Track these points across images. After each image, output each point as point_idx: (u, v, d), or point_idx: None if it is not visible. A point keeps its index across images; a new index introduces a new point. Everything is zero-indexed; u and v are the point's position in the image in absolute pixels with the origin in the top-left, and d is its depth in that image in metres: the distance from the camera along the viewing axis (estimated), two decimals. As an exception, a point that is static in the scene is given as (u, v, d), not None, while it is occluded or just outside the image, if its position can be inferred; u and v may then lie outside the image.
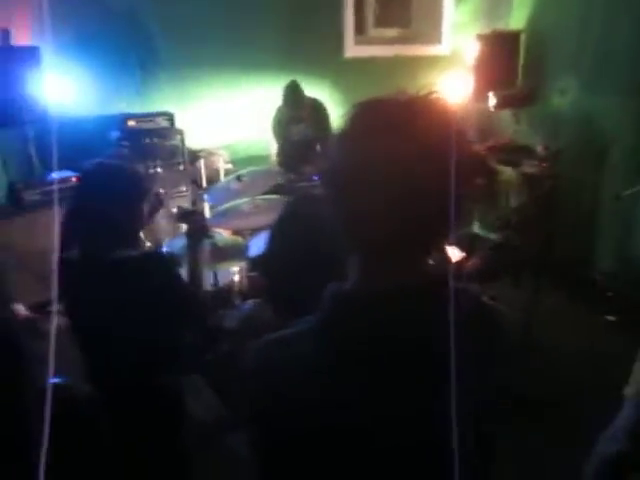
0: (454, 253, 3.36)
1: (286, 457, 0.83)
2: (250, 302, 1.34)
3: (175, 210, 1.99)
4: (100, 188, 1.59)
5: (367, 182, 0.75)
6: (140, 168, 3.23)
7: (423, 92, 0.81)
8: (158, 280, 1.59)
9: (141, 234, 1.70)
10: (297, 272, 1.17)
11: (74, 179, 3.51)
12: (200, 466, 1.80)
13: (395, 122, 0.76)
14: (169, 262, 1.66)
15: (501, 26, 5.01)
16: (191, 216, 1.87)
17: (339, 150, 0.81)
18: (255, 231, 2.97)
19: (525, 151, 4.53)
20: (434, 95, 0.81)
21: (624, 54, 4.00)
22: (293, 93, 4.13)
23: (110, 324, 1.61)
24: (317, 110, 4.39)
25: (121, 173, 1.63)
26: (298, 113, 4.21)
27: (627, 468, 1.31)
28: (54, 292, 1.49)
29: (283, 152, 4.44)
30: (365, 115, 0.80)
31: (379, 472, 0.81)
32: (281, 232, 1.25)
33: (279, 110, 4.38)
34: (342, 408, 0.77)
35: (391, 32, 5.22)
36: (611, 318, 3.81)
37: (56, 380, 1.07)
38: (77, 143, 3.99)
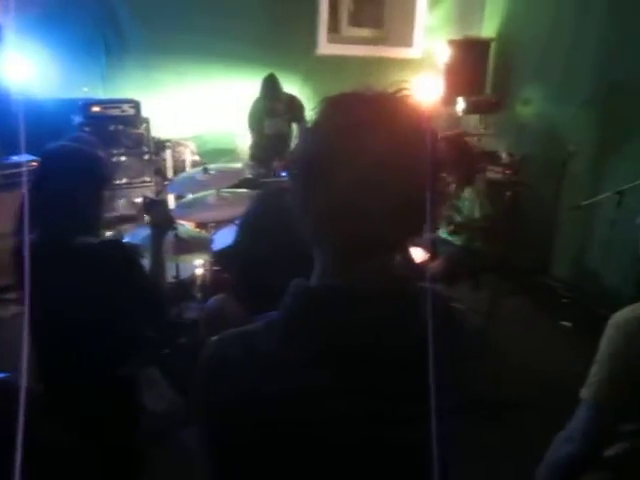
0: (418, 254, 3.39)
1: (236, 455, 0.81)
2: (215, 296, 1.31)
3: (140, 199, 1.93)
4: (60, 171, 1.54)
5: (334, 177, 0.74)
6: (102, 153, 3.20)
7: (392, 89, 0.81)
8: (118, 269, 1.54)
9: (101, 222, 1.64)
10: (264, 266, 1.15)
11: (34, 163, 3.40)
12: (153, 460, 1.77)
13: (363, 117, 0.76)
14: (130, 251, 1.61)
15: (473, 33, 5.09)
16: (156, 206, 1.82)
17: (307, 143, 0.80)
18: (220, 224, 2.93)
19: (490, 157, 4.62)
20: (403, 92, 0.81)
21: (588, 66, 4.11)
22: (271, 86, 4.11)
23: (67, 313, 1.56)
24: (294, 106, 4.37)
25: (82, 157, 1.58)
26: (274, 106, 4.18)
27: (580, 469, 1.33)
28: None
29: (256, 146, 4.40)
30: (334, 109, 0.80)
31: (337, 471, 0.80)
32: (249, 225, 1.23)
33: (256, 102, 4.34)
34: (300, 405, 0.76)
35: (364, 32, 5.24)
36: (567, 324, 3.91)
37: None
38: (39, 127, 3.85)
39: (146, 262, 1.78)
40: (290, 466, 0.79)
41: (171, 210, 1.94)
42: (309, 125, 0.80)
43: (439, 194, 0.84)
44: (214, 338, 0.83)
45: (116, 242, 1.65)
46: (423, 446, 0.82)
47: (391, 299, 0.79)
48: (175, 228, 2.61)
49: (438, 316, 0.83)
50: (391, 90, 0.80)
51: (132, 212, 3.62)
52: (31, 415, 1.07)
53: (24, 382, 0.68)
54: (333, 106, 0.80)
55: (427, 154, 0.77)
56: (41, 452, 1.05)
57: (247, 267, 1.19)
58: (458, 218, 3.50)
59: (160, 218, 1.80)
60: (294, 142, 4.45)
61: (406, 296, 0.81)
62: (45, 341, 1.65)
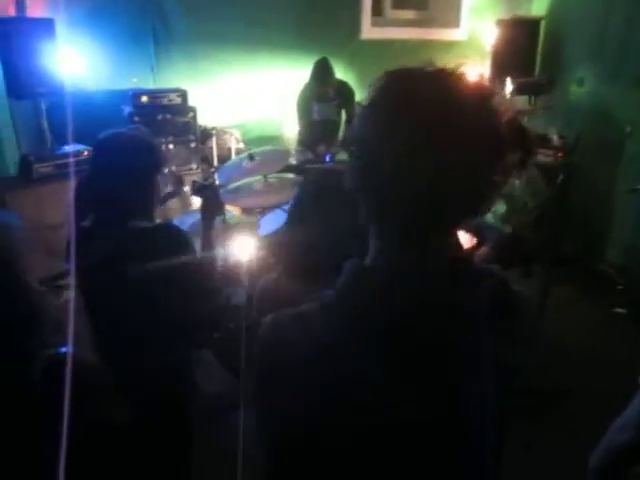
0: (466, 239, 3.33)
1: (293, 436, 0.81)
2: (264, 277, 1.33)
3: (190, 184, 1.96)
4: (115, 157, 1.57)
5: (394, 154, 0.73)
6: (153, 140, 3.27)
7: (451, 66, 0.79)
8: (172, 253, 1.58)
9: (155, 207, 1.68)
10: (315, 247, 1.16)
11: (86, 153, 3.50)
12: (205, 438, 1.81)
13: (425, 93, 0.74)
14: (183, 235, 1.65)
15: (522, 12, 4.92)
16: (207, 190, 1.85)
17: (367, 120, 0.78)
18: (265, 209, 2.96)
19: (541, 140, 4.48)
20: (462, 70, 0.79)
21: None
22: (322, 70, 4.08)
23: (121, 297, 1.60)
24: (344, 91, 4.35)
25: (135, 143, 1.61)
26: (325, 91, 4.16)
27: (635, 458, 1.30)
28: (71, 264, 1.50)
29: (304, 131, 4.40)
30: (394, 85, 0.78)
31: (395, 453, 0.79)
32: (301, 207, 1.24)
33: (305, 88, 4.33)
34: (358, 386, 0.75)
35: (408, 14, 5.14)
36: (621, 310, 3.79)
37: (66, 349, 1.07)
38: (90, 117, 3.98)
39: (197, 247, 1.82)
40: (350, 451, 0.79)
41: (221, 195, 1.97)
42: (369, 100, 0.79)
43: (502, 175, 0.82)
44: (268, 318, 0.84)
45: (170, 226, 1.68)
46: (482, 429, 0.82)
47: (451, 279, 0.78)
48: (223, 213, 2.66)
49: (498, 297, 0.82)
50: (450, 67, 0.78)
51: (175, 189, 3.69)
52: (98, 392, 1.12)
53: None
54: (393, 82, 0.78)
55: (492, 133, 0.76)
56: (106, 427, 1.09)
57: (298, 248, 1.20)
58: (507, 205, 3.41)
59: (210, 202, 1.83)
60: (343, 128, 4.44)
61: (465, 276, 0.79)
62: (103, 325, 1.72)
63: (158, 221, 3.13)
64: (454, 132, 0.72)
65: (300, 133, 4.46)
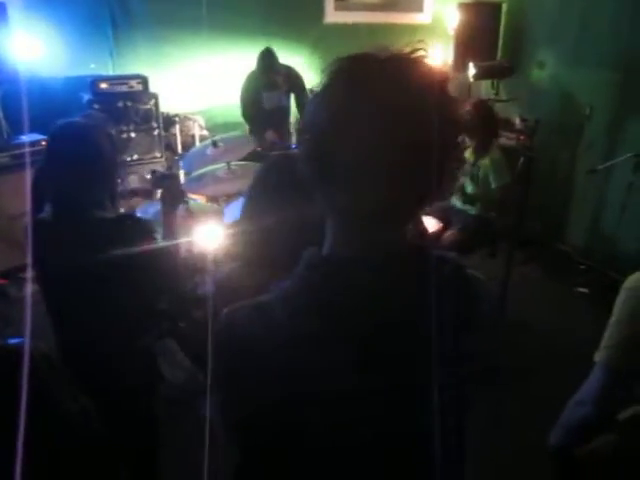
0: (431, 223, 3.37)
1: (254, 427, 0.80)
2: (225, 267, 1.31)
3: (150, 174, 1.93)
4: (69, 147, 1.53)
5: (347, 142, 0.72)
6: (110, 128, 3.19)
7: (406, 50, 0.78)
8: (133, 243, 1.55)
9: (115, 196, 1.65)
10: (272, 236, 1.15)
11: (43, 142, 3.40)
12: (172, 430, 1.80)
13: (376, 78, 0.73)
14: (145, 225, 1.62)
15: (484, -4, 4.95)
16: (167, 180, 1.82)
17: (318, 108, 0.76)
18: (230, 197, 2.93)
19: (503, 124, 4.54)
20: (418, 53, 0.78)
21: (604, 27, 3.99)
22: (269, 59, 4.04)
23: (84, 286, 1.58)
24: (292, 77, 4.31)
25: (89, 132, 1.57)
26: (273, 79, 4.13)
27: (593, 432, 1.33)
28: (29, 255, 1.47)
29: (254, 120, 4.34)
30: (345, 71, 0.76)
31: (358, 444, 0.79)
32: (256, 195, 1.22)
33: (251, 77, 4.26)
34: (319, 376, 0.75)
35: (372, -2, 5.12)
36: (583, 290, 3.89)
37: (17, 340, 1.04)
38: (47, 105, 3.87)
39: (159, 236, 1.79)
40: (309, 439, 0.79)
41: (182, 184, 1.94)
42: (322, 85, 0.77)
43: (456, 159, 0.82)
44: (227, 310, 0.83)
45: (131, 216, 1.65)
46: (441, 414, 0.82)
47: (406, 267, 0.77)
48: (186, 202, 2.63)
49: (453, 283, 0.82)
50: (406, 51, 0.77)
51: (144, 186, 3.63)
52: (49, 380, 1.10)
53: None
54: (344, 68, 0.76)
55: (447, 117, 0.75)
56: (58, 416, 1.07)
57: (255, 236, 1.19)
58: (472, 187, 3.46)
59: (171, 192, 1.80)
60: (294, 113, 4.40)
61: (421, 264, 0.79)
62: (63, 314, 1.68)
63: (122, 211, 3.11)
64: (407, 117, 0.71)
65: (249, 122, 4.38)
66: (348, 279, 0.76)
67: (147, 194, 2.87)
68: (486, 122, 3.34)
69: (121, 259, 1.52)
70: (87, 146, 1.53)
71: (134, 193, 3.29)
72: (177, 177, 1.86)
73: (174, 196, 1.79)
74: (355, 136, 0.72)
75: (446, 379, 0.80)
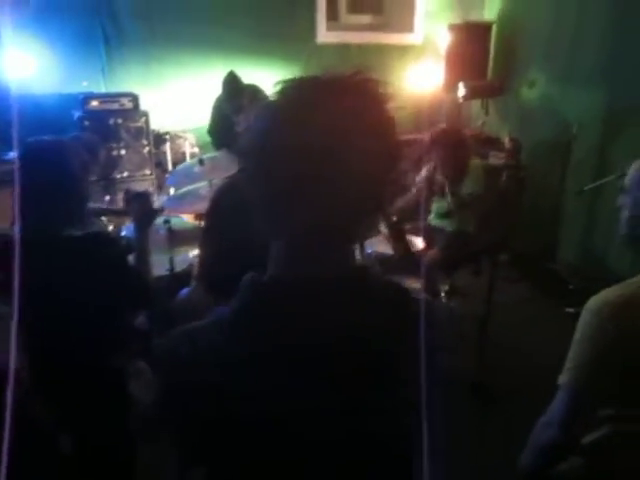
0: (417, 243, 3.38)
1: (195, 448, 0.80)
2: (187, 287, 1.31)
3: (123, 193, 1.93)
4: (36, 165, 1.53)
5: (284, 164, 0.71)
6: (100, 148, 3.21)
7: (350, 73, 0.78)
8: (101, 262, 1.55)
9: (85, 214, 1.64)
10: (228, 257, 1.14)
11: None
12: (145, 448, 1.78)
13: (314, 101, 0.73)
14: (113, 244, 1.61)
15: (474, 17, 5.01)
16: (138, 200, 1.82)
17: (256, 130, 0.76)
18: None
19: (492, 143, 4.56)
20: (361, 76, 0.78)
21: (593, 47, 4.03)
22: (232, 85, 4.02)
23: (53, 305, 1.57)
24: (259, 96, 4.30)
25: (58, 150, 1.57)
26: (239, 104, 4.11)
27: (560, 454, 1.32)
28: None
29: (230, 146, 4.25)
30: (286, 94, 0.76)
31: (300, 468, 0.79)
32: (211, 217, 1.22)
33: (217, 103, 4.22)
34: (252, 401, 0.74)
35: (364, 19, 5.17)
36: (572, 310, 3.86)
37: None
38: (38, 122, 3.89)
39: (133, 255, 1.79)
40: (254, 461, 0.78)
41: (153, 202, 1.93)
42: (261, 109, 0.78)
43: (395, 181, 0.81)
44: (168, 335, 0.82)
45: (100, 234, 1.65)
46: (383, 439, 0.81)
47: (345, 291, 0.76)
48: (167, 221, 2.63)
49: (396, 306, 0.82)
50: (348, 74, 0.77)
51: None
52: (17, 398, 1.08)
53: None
54: (284, 91, 0.76)
55: (386, 143, 0.75)
56: (27, 435, 1.06)
57: (212, 257, 1.19)
58: (450, 203, 3.47)
59: (142, 212, 1.79)
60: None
61: (361, 288, 0.78)
62: (34, 335, 1.67)
63: (110, 228, 3.11)
64: (342, 141, 0.70)
65: (220, 145, 4.25)
66: (286, 304, 0.75)
67: (118, 213, 2.86)
68: (457, 150, 3.34)
69: (88, 278, 1.52)
70: (53, 165, 1.54)
71: (123, 213, 3.28)
72: (149, 196, 1.86)
73: (146, 215, 1.79)
74: (292, 160, 0.71)
75: (384, 403, 0.79)
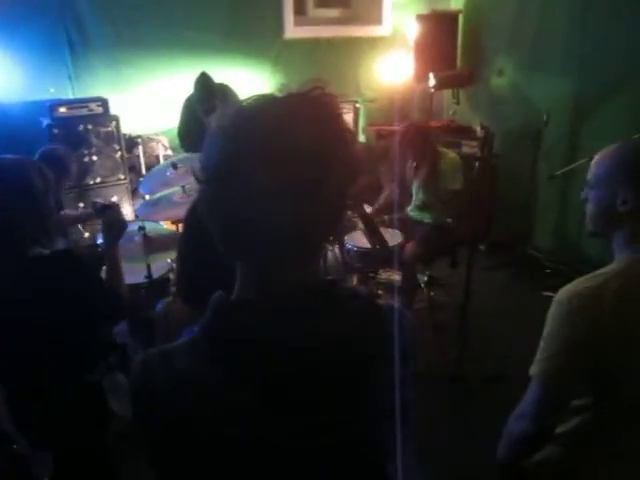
0: (396, 236, 3.39)
1: (171, 470, 0.80)
2: (163, 300, 1.31)
3: (91, 205, 1.91)
4: None
5: (239, 184, 0.71)
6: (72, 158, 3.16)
7: (306, 89, 0.78)
8: (69, 279, 1.54)
9: (51, 231, 1.62)
10: (203, 270, 1.14)
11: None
12: (124, 464, 1.78)
13: (269, 122, 0.72)
14: (80, 260, 1.60)
15: (441, 7, 5.02)
16: (108, 211, 1.80)
17: (213, 148, 0.75)
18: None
19: (464, 132, 4.59)
20: (317, 92, 0.78)
21: (559, 35, 4.07)
22: (205, 86, 3.97)
23: (25, 324, 1.56)
24: (228, 96, 4.27)
25: (18, 169, 1.55)
26: (211, 105, 4.08)
27: (534, 445, 1.34)
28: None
29: (199, 145, 4.18)
30: (241, 112, 0.76)
31: None
32: (187, 229, 1.22)
33: (188, 103, 4.16)
34: (218, 424, 0.74)
35: (331, 12, 5.16)
36: (549, 294, 3.91)
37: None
38: (6, 131, 3.84)
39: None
40: None
41: (122, 213, 1.91)
42: (218, 128, 0.76)
43: (354, 195, 0.81)
44: (139, 356, 0.82)
45: (66, 252, 1.63)
46: (360, 453, 0.82)
47: (313, 306, 0.77)
48: (142, 228, 2.61)
49: (364, 318, 0.82)
50: (303, 90, 0.77)
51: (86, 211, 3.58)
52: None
53: None
54: (240, 111, 0.76)
55: (341, 157, 0.74)
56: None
57: (188, 270, 1.18)
58: (423, 195, 3.49)
59: (112, 224, 1.78)
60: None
61: (330, 301, 0.79)
62: (6, 353, 1.65)
63: (86, 235, 3.07)
64: (298, 161, 0.70)
65: (191, 145, 4.16)
66: (252, 325, 0.75)
67: (90, 219, 2.83)
68: (416, 141, 3.37)
69: (58, 295, 1.51)
70: (14, 185, 1.52)
71: (77, 221, 3.23)
72: (117, 207, 1.84)
73: (115, 227, 1.77)
74: (247, 180, 0.70)
75: (357, 414, 0.80)
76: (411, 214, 3.62)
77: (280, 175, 0.70)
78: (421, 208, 3.51)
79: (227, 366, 0.74)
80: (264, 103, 0.77)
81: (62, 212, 2.89)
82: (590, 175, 1.33)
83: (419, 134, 3.35)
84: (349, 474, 0.82)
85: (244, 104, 0.77)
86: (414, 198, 3.55)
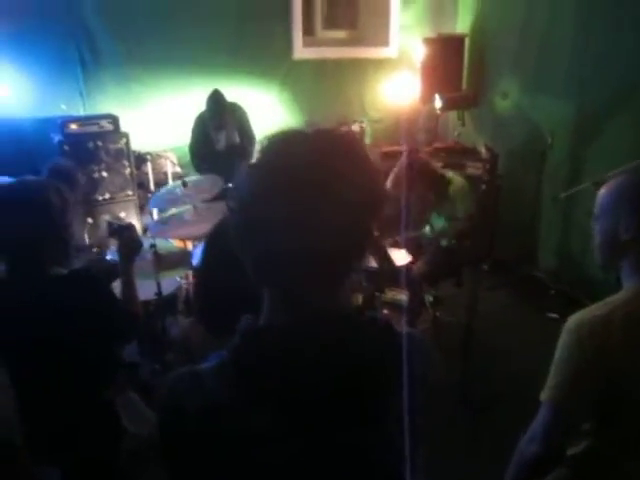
0: (402, 256, 3.42)
1: None
2: (185, 320, 1.33)
3: (106, 225, 1.94)
4: (12, 210, 1.55)
5: (270, 217, 0.75)
6: (78, 173, 3.19)
7: (332, 126, 0.82)
8: (87, 299, 1.56)
9: (70, 250, 1.65)
10: (225, 292, 1.16)
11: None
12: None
13: (299, 156, 0.76)
14: (95, 282, 1.63)
15: (446, 30, 5.10)
16: (123, 231, 1.84)
17: (245, 182, 0.79)
18: (200, 238, 2.95)
19: (469, 153, 4.64)
20: (343, 128, 0.82)
21: (563, 58, 4.13)
22: (217, 102, 4.05)
23: (41, 343, 1.58)
24: (239, 114, 4.33)
25: (38, 192, 1.58)
26: (223, 120, 4.14)
27: (544, 468, 1.36)
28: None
29: (208, 163, 4.20)
30: (272, 148, 0.80)
31: None
32: (211, 247, 1.23)
33: (199, 120, 4.24)
34: (249, 448, 0.76)
35: (339, 34, 5.24)
36: (554, 315, 3.93)
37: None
38: (18, 147, 3.89)
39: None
40: None
41: (137, 234, 1.94)
42: (251, 163, 0.80)
43: (380, 228, 0.85)
44: (169, 376, 0.85)
45: (84, 271, 1.67)
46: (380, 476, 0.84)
47: (336, 335, 0.79)
48: (153, 245, 2.64)
49: (383, 344, 0.85)
50: (332, 128, 0.81)
51: (102, 237, 3.62)
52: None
53: None
54: (272, 145, 0.80)
55: (366, 190, 0.78)
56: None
57: (209, 289, 1.20)
58: (439, 221, 3.52)
59: (127, 243, 1.81)
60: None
61: (351, 331, 0.81)
62: (21, 371, 1.68)
63: (94, 250, 3.10)
64: (328, 193, 0.74)
65: (199, 165, 4.30)
66: (280, 350, 0.77)
67: (105, 245, 2.85)
68: (426, 177, 3.40)
69: (75, 315, 1.54)
70: (34, 206, 1.55)
71: (90, 247, 3.25)
72: (133, 228, 1.87)
73: (130, 247, 1.80)
74: (278, 214, 0.74)
75: (384, 441, 0.83)
76: (426, 233, 3.64)
77: (312, 210, 0.74)
78: (440, 233, 3.53)
79: (254, 390, 0.77)
80: (295, 139, 0.81)
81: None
82: (595, 207, 1.37)
83: (422, 169, 3.39)
84: None
85: (274, 138, 0.81)
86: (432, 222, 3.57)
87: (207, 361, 0.84)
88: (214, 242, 1.26)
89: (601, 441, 1.31)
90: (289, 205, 0.74)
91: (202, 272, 1.25)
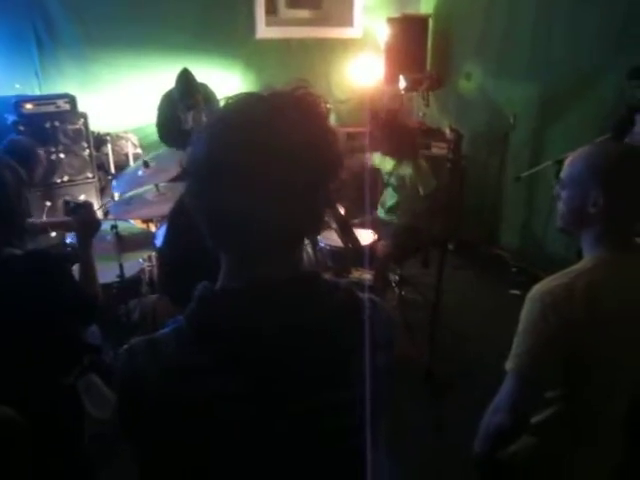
0: (367, 235, 3.43)
1: (165, 463, 0.81)
2: (149, 296, 1.30)
3: (62, 204, 1.88)
4: None
5: (224, 178, 0.74)
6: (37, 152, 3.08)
7: (290, 88, 0.80)
8: (44, 281, 1.51)
9: (23, 231, 1.59)
10: (188, 265, 1.15)
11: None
12: (101, 465, 1.76)
13: (254, 116, 0.75)
14: (53, 260, 1.57)
15: (410, 10, 5.09)
16: (80, 210, 1.78)
17: (200, 144, 0.78)
18: (163, 219, 2.89)
19: (434, 134, 4.67)
20: (301, 91, 0.80)
21: (525, 40, 4.18)
22: (187, 82, 3.95)
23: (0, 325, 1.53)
24: (208, 95, 4.25)
25: None
26: (193, 100, 4.06)
27: (510, 437, 1.39)
28: None
29: (176, 142, 4.15)
30: (227, 110, 0.79)
31: (261, 467, 0.81)
32: (172, 224, 1.22)
33: (166, 98, 4.10)
34: (214, 406, 0.76)
35: (303, 13, 5.18)
36: (516, 292, 4.02)
37: None
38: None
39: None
40: (211, 471, 0.79)
41: (95, 212, 1.89)
42: (205, 125, 0.80)
43: (335, 190, 0.84)
44: (124, 347, 0.83)
45: (39, 252, 1.61)
46: (341, 438, 0.85)
47: (293, 298, 0.79)
48: (115, 227, 2.58)
49: (345, 309, 0.85)
50: (288, 89, 0.80)
51: (58, 218, 3.49)
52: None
53: None
54: (227, 105, 0.79)
55: (323, 152, 0.77)
56: None
57: (173, 266, 1.19)
58: (395, 197, 3.54)
59: (85, 223, 1.76)
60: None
61: (309, 293, 0.81)
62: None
63: (53, 234, 3.00)
64: (281, 152, 0.73)
65: (168, 144, 4.11)
66: (233, 312, 0.77)
67: (62, 226, 2.75)
68: (395, 131, 3.42)
69: (31, 296, 1.49)
70: None
71: (46, 227, 3.12)
72: (90, 206, 1.81)
73: (88, 226, 1.75)
74: (232, 175, 0.73)
75: (345, 402, 0.83)
76: (381, 215, 3.67)
77: (265, 168, 0.73)
78: (392, 209, 3.56)
79: (211, 352, 0.76)
80: (250, 99, 0.80)
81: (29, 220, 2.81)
82: (563, 174, 1.36)
83: (398, 121, 3.40)
84: (331, 460, 0.85)
85: (231, 100, 0.80)
86: (385, 199, 3.59)
87: (163, 328, 0.83)
88: (175, 217, 1.24)
89: (566, 407, 1.34)
90: (240, 163, 0.73)
91: (166, 244, 1.23)
